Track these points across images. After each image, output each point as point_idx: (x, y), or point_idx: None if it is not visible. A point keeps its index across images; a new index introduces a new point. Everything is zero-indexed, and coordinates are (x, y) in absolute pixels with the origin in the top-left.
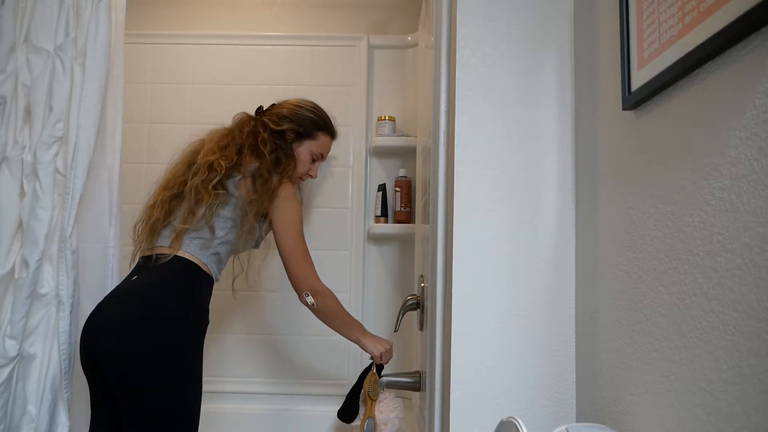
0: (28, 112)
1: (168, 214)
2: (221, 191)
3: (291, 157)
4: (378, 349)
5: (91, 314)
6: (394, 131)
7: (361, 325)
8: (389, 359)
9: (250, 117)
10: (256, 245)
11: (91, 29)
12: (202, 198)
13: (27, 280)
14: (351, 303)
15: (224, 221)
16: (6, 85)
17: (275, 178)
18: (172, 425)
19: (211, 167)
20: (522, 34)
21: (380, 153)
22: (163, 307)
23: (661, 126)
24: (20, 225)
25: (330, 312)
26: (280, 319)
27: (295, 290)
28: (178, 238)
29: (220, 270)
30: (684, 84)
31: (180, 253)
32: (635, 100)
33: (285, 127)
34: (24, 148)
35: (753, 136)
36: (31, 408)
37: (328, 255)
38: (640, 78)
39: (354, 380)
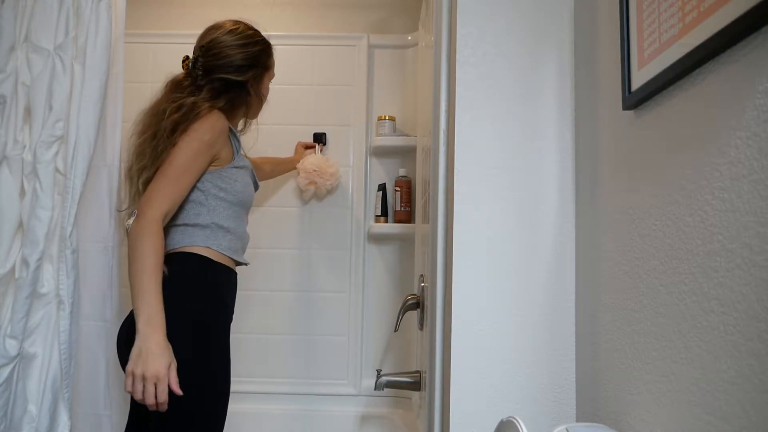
0: (28, 112)
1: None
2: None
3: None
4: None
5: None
6: (394, 131)
7: (156, 301)
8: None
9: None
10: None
11: (91, 28)
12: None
13: (27, 279)
14: (351, 303)
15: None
16: (6, 85)
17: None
18: (200, 424)
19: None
20: (522, 34)
21: (380, 153)
22: (183, 307)
23: (662, 126)
24: (20, 224)
25: (133, 253)
26: (283, 319)
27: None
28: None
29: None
30: (684, 84)
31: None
32: (635, 99)
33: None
34: (24, 147)
35: (753, 136)
36: (32, 407)
37: (328, 255)
38: (640, 77)
39: (355, 382)
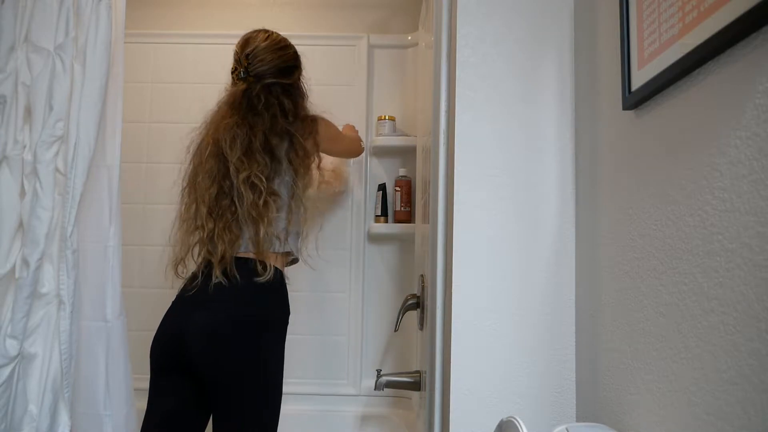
0: (29, 112)
1: (235, 239)
2: (272, 203)
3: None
4: None
5: (178, 312)
6: (394, 131)
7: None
8: None
9: (244, 85)
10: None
11: (92, 28)
12: (257, 219)
13: (27, 279)
14: (351, 303)
15: (284, 221)
16: (6, 85)
17: (306, 143)
18: (267, 421)
19: (253, 186)
20: (522, 34)
21: (380, 152)
22: (260, 315)
23: (662, 126)
24: (20, 224)
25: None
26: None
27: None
28: (259, 253)
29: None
30: (684, 84)
31: (268, 261)
32: (635, 99)
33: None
34: (24, 147)
35: (753, 136)
36: (32, 407)
37: (328, 255)
38: (640, 77)
39: (355, 382)
